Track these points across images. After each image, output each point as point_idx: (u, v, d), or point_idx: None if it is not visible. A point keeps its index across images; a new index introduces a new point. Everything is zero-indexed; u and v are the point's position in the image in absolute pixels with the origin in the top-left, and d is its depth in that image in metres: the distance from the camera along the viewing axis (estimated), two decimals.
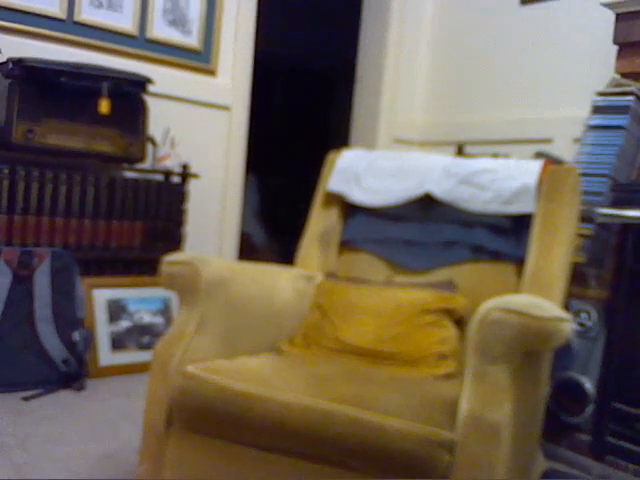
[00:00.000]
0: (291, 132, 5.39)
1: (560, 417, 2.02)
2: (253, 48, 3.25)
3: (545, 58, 3.12)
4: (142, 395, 1.46)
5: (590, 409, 1.97)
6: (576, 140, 2.61)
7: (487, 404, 1.17)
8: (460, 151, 3.15)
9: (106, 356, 2.51)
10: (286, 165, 5.21)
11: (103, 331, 2.54)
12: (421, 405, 1.26)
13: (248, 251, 4.06)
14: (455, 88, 3.56)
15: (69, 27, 2.70)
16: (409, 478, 1.16)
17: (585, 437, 1.98)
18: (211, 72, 3.13)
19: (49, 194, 2.44)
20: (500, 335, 1.19)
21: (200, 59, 3.09)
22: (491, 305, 1.22)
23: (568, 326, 1.22)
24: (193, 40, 3.06)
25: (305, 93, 5.41)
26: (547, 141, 2.96)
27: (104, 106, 2.45)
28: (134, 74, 2.61)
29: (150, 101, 2.70)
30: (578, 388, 2.00)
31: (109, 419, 2.08)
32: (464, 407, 1.18)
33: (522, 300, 1.24)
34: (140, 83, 2.61)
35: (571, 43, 3.01)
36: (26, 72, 2.34)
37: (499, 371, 1.19)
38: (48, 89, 2.40)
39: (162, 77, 2.87)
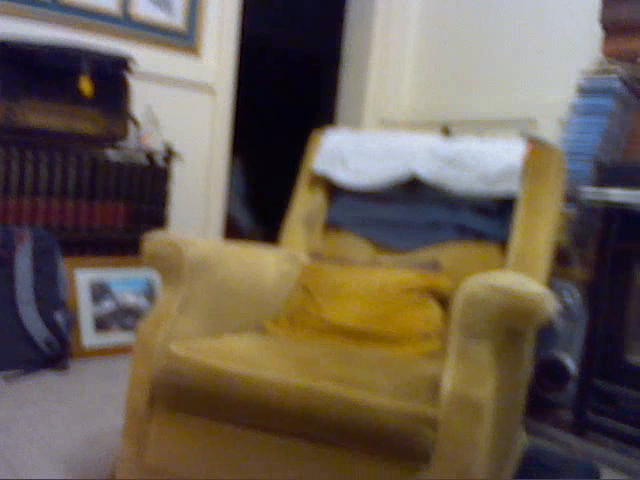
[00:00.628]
0: (277, 114, 5.35)
1: (543, 394, 2.04)
2: (239, 29, 3.22)
3: (531, 40, 3.11)
4: (125, 376, 1.45)
5: (572, 387, 1.99)
6: (561, 122, 2.61)
7: (470, 382, 1.17)
8: (446, 132, 3.14)
9: (89, 337, 2.50)
10: (272, 147, 5.17)
11: (86, 312, 2.52)
12: (405, 383, 1.26)
13: (233, 233, 4.04)
14: (441, 69, 3.55)
15: (51, 5, 2.65)
16: (393, 454, 1.16)
17: (567, 414, 2.01)
18: (195, 52, 3.08)
19: (30, 174, 2.41)
20: (483, 312, 1.18)
21: (184, 39, 3.04)
22: (475, 282, 1.21)
23: (551, 304, 1.22)
24: (177, 20, 3.01)
25: (291, 74, 5.36)
26: (532, 122, 2.96)
27: (85, 86, 2.42)
28: (116, 53, 2.57)
29: (133, 82, 2.66)
30: (561, 366, 2.01)
31: (92, 400, 2.07)
32: (447, 385, 1.18)
33: (506, 278, 1.24)
34: (122, 63, 2.57)
35: (557, 24, 3.00)
36: (7, 51, 2.30)
37: (482, 348, 1.19)
38: (29, 68, 2.35)
39: (146, 57, 2.83)
